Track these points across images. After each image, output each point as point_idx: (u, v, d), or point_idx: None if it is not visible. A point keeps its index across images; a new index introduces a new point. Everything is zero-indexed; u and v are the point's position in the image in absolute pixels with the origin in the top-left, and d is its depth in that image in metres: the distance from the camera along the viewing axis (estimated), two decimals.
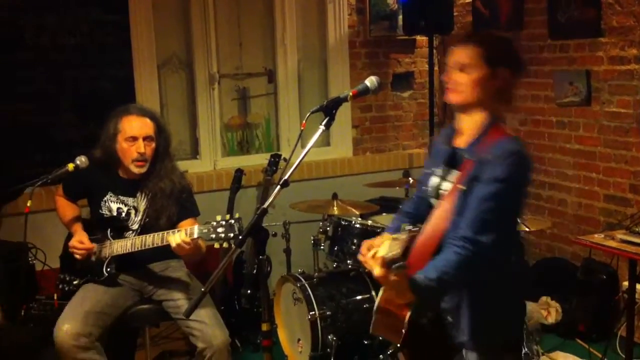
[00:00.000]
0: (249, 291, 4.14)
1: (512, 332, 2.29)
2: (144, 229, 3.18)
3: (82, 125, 4.16)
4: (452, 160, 2.23)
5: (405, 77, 5.28)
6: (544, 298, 4.28)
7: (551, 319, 4.19)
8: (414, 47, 5.26)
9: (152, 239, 3.02)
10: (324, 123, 2.23)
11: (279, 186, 2.17)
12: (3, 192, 3.65)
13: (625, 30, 3.95)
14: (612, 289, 4.02)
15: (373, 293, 3.59)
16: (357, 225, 3.78)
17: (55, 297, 3.27)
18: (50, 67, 4.15)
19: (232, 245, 2.68)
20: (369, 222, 3.76)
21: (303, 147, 2.23)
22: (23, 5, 4.05)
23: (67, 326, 2.94)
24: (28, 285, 3.66)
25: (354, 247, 3.69)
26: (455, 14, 5.01)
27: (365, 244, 2.14)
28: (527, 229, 3.59)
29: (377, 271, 1.94)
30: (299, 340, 3.74)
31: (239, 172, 4.45)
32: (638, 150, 3.99)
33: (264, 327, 2.34)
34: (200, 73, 4.67)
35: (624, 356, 3.49)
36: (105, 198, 3.22)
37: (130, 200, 3.22)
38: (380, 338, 3.49)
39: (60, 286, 3.24)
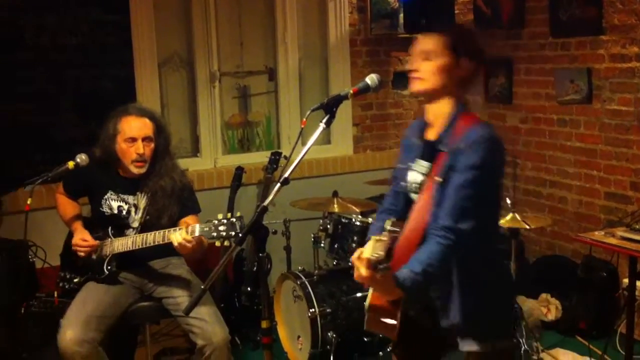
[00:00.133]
0: (249, 288, 4.15)
1: (504, 311, 2.30)
2: (144, 227, 3.18)
3: (82, 125, 4.16)
4: (427, 154, 2.25)
5: (406, 75, 5.22)
6: (544, 295, 4.28)
7: (551, 316, 4.20)
8: None
9: (153, 237, 3.03)
10: (324, 121, 2.23)
11: (279, 184, 2.17)
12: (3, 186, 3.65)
13: (627, 28, 3.95)
14: (613, 286, 4.03)
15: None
16: (358, 223, 3.78)
17: (56, 295, 3.28)
18: (50, 67, 4.15)
19: (233, 244, 2.68)
20: (370, 220, 3.76)
21: (303, 144, 2.22)
22: (23, 5, 4.05)
23: (70, 333, 2.95)
24: (28, 283, 3.66)
25: (354, 244, 3.70)
26: (456, 12, 5.01)
27: (358, 251, 2.15)
28: (527, 227, 3.59)
29: (363, 272, 1.96)
30: (298, 337, 3.75)
31: (240, 170, 4.46)
32: (639, 148, 3.99)
33: (264, 324, 2.34)
34: (201, 71, 4.67)
35: (624, 353, 3.49)
36: (106, 196, 3.22)
37: (130, 198, 3.22)
38: (381, 335, 3.50)
39: (61, 284, 3.25)
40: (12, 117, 4.06)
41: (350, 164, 5.10)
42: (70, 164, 3.12)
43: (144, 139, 3.14)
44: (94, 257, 3.17)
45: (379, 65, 5.14)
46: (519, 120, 4.75)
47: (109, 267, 3.14)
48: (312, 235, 3.96)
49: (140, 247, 3.07)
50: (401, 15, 4.93)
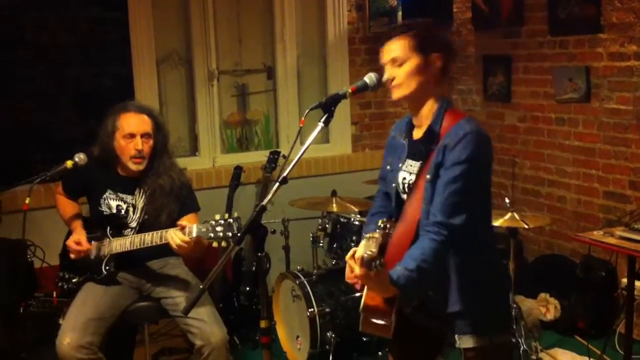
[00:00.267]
0: (247, 288, 4.15)
1: (500, 304, 2.31)
2: (142, 227, 3.17)
3: (82, 123, 4.16)
4: (415, 153, 2.26)
5: None
6: (542, 295, 4.28)
7: (550, 316, 4.19)
8: None
9: (151, 238, 3.02)
10: (323, 120, 2.22)
11: (278, 183, 2.17)
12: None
13: (625, 26, 3.94)
14: (611, 285, 4.03)
15: None
16: (356, 223, 3.78)
17: (54, 295, 3.28)
18: (50, 66, 4.15)
19: (231, 244, 2.68)
20: None
21: (302, 144, 2.23)
22: (23, 4, 4.05)
23: (69, 339, 2.94)
24: (27, 282, 3.66)
25: (353, 244, 3.70)
26: (454, 10, 5.00)
27: (351, 251, 2.15)
28: (526, 226, 3.59)
29: (357, 270, 1.96)
30: (297, 337, 3.74)
31: (238, 169, 4.45)
32: (637, 147, 3.99)
33: (263, 324, 2.34)
34: (199, 69, 4.66)
35: (622, 353, 3.49)
36: (105, 195, 3.21)
37: (129, 198, 3.22)
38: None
39: (60, 284, 3.24)
40: (12, 115, 4.07)
41: (349, 163, 5.10)
42: (69, 163, 3.11)
43: (142, 136, 3.13)
44: (92, 257, 3.16)
45: (377, 63, 5.07)
46: (517, 119, 4.75)
47: (107, 268, 3.14)
48: (311, 234, 3.95)
49: (139, 247, 3.06)
50: (399, 13, 4.93)
